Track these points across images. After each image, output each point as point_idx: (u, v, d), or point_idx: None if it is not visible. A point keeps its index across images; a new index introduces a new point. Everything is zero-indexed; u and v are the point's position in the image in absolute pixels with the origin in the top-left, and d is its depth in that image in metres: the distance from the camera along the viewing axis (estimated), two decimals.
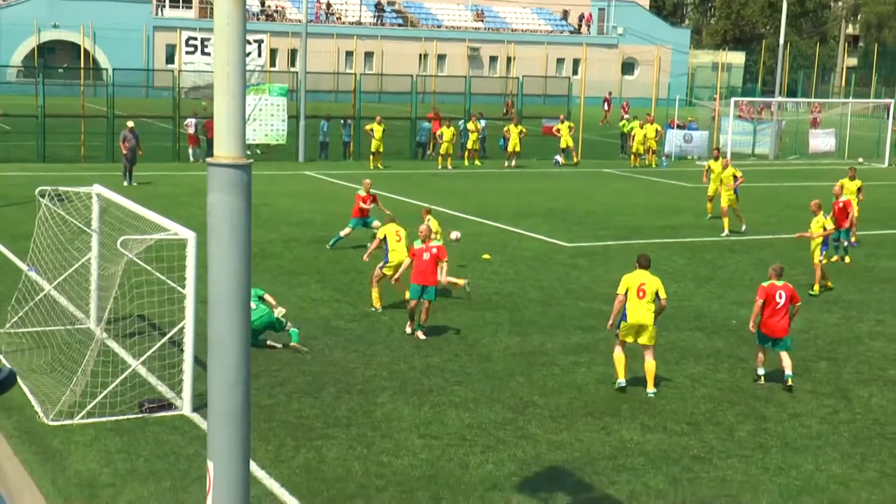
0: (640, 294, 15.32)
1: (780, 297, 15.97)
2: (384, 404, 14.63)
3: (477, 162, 44.15)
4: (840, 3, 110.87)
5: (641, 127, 46.02)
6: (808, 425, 14.39)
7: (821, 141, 53.15)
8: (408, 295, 18.48)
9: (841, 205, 24.99)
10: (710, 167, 31.72)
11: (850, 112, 57.19)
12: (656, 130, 46.26)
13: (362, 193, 24.89)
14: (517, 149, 43.43)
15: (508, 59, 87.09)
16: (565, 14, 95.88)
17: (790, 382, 15.73)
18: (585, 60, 54.66)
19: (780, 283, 16.09)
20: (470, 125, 44.15)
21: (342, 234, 24.99)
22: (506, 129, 44.18)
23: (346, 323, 18.77)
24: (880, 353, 18.03)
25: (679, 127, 51.16)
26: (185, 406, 14.00)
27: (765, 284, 16.19)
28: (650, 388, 15.38)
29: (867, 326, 19.77)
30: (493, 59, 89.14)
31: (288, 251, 24.84)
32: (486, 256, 24.79)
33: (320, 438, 13.32)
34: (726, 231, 28.58)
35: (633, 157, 45.87)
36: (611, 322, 15.72)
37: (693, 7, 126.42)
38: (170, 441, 13.07)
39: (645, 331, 15.32)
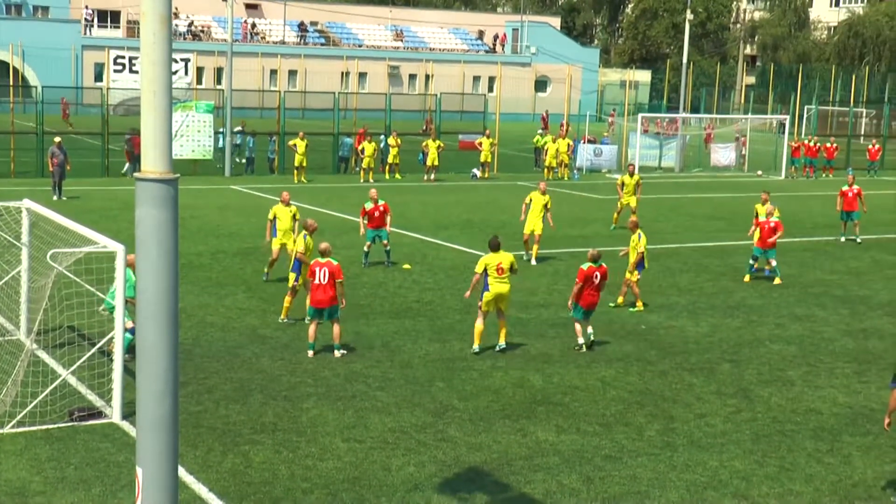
0: (499, 271, 17.62)
1: (596, 278, 18.18)
2: (309, 410, 14.55)
3: (397, 175, 44.16)
4: (738, 26, 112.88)
5: (554, 142, 46.40)
6: (712, 424, 14.60)
7: (722, 155, 54.05)
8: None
9: (772, 224, 24.83)
10: (623, 181, 32.21)
11: (748, 127, 58.29)
12: (568, 145, 46.67)
13: (369, 206, 24.37)
14: (436, 163, 43.52)
15: (427, 77, 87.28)
16: (481, 34, 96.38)
17: (583, 349, 18.00)
18: (500, 78, 54.90)
19: (596, 266, 18.23)
20: (391, 140, 44.16)
21: (365, 248, 24.60)
22: (424, 144, 44.26)
23: (273, 331, 18.63)
24: (779, 354, 18.36)
25: (590, 142, 51.74)
26: (114, 414, 13.79)
27: (584, 267, 18.19)
28: (502, 342, 17.66)
29: (767, 330, 20.12)
30: (412, 76, 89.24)
31: (216, 263, 24.60)
32: (406, 266, 24.79)
33: (247, 443, 13.21)
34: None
35: (546, 170, 46.22)
36: (468, 293, 18.22)
37: (602, 28, 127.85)
38: (100, 449, 12.86)
39: (503, 299, 17.70)
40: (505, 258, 17.79)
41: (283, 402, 14.85)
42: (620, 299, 21.51)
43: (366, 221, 24.40)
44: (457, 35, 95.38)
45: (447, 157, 46.20)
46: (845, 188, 30.81)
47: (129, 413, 13.35)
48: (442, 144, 44.20)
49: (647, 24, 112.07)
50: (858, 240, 30.36)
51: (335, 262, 17.20)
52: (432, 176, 43.49)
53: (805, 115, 68.10)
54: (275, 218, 22.51)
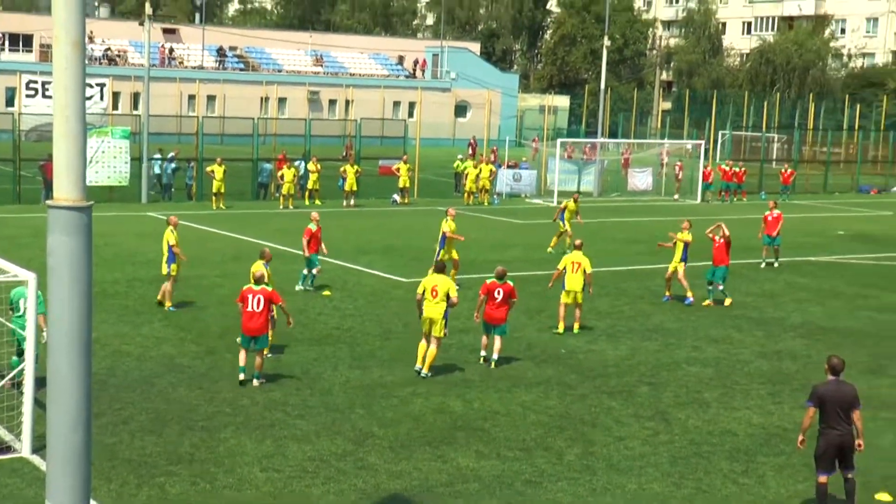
0: (433, 294, 17.65)
1: (499, 294, 18.64)
2: (227, 439, 14.38)
3: (318, 201, 44.00)
4: (655, 52, 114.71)
5: (475, 167, 46.63)
6: (631, 447, 14.73)
7: (639, 179, 54.76)
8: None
9: (721, 242, 25.04)
10: (566, 206, 32.81)
11: (665, 152, 59.18)
12: (490, 170, 46.90)
13: (314, 228, 24.64)
14: (354, 188, 43.44)
15: (347, 102, 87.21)
16: (401, 59, 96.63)
17: (493, 366, 18.45)
18: (420, 103, 55.13)
19: (500, 283, 18.68)
20: (310, 166, 43.99)
21: (315, 272, 24.77)
22: (342, 169, 44.15)
23: (191, 360, 18.41)
24: (696, 377, 18.61)
25: (511, 166, 52.11)
26: (24, 448, 13.48)
27: (487, 282, 18.86)
28: (425, 371, 17.67)
29: (685, 353, 20.39)
30: (332, 102, 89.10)
31: (132, 290, 24.26)
32: (326, 293, 24.68)
33: (163, 475, 13.01)
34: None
35: (466, 195, 46.41)
36: (419, 315, 17.93)
37: (521, 54, 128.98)
38: (8, 484, 12.56)
39: (435, 324, 17.64)
40: (442, 283, 17.87)
41: (201, 432, 14.66)
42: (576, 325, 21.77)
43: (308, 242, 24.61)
44: (377, 60, 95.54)
45: (367, 183, 46.16)
46: (767, 213, 31.45)
47: (39, 447, 13.06)
48: (360, 169, 44.15)
49: (565, 50, 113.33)
50: (776, 264, 30.95)
51: (269, 289, 17.05)
52: (352, 201, 43.41)
53: (720, 140, 69.34)
54: (173, 243, 22.52)
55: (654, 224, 40.78)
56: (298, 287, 24.69)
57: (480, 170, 46.72)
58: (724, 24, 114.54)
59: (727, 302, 25.05)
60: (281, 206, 42.15)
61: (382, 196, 46.12)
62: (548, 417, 15.95)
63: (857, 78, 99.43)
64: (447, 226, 26.13)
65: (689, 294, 24.73)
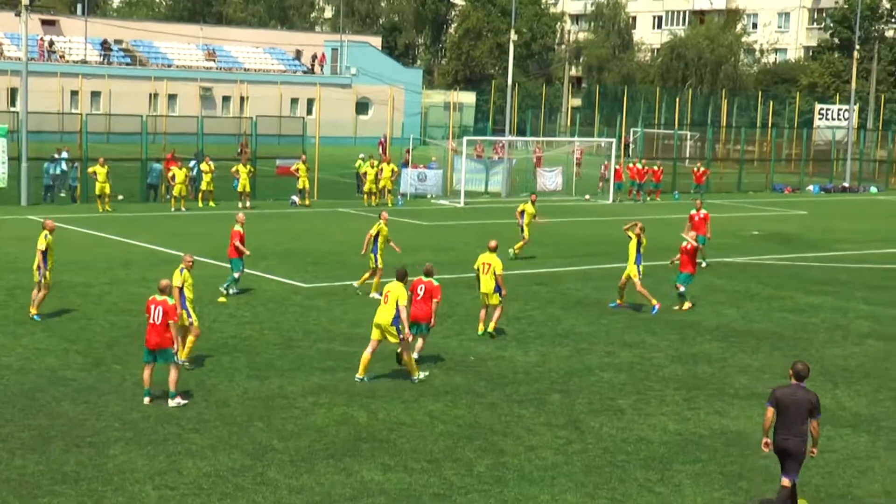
0: (385, 300, 18.01)
1: (420, 290, 19.23)
2: (116, 456, 14.15)
3: (211, 203, 43.53)
4: (563, 47, 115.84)
5: (373, 167, 46.54)
6: (543, 457, 14.84)
7: (548, 179, 55.22)
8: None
9: (689, 248, 25.62)
10: (524, 210, 32.95)
11: (579, 150, 59.77)
12: (392, 170, 46.88)
13: (240, 230, 25.02)
14: (247, 189, 43.06)
15: (242, 99, 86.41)
16: (298, 54, 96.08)
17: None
18: (320, 100, 54.89)
19: (425, 280, 19.39)
20: (203, 166, 43.51)
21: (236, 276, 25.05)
22: (234, 169, 43.72)
23: (76, 373, 18.07)
24: (609, 383, 18.83)
25: (431, 165, 52.32)
26: None
27: (413, 279, 19.40)
28: (415, 375, 18.22)
29: (597, 358, 20.62)
30: (225, 98, 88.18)
31: (12, 299, 23.73)
32: (221, 299, 24.43)
33: (46, 496, 12.74)
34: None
35: (366, 196, 46.34)
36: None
37: (425, 48, 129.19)
38: None
39: (388, 331, 17.99)
40: (394, 289, 18.10)
41: (88, 448, 14.40)
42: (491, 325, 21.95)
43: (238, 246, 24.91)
44: (273, 55, 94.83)
45: (265, 184, 45.80)
46: (693, 212, 32.00)
47: None
48: (252, 169, 43.78)
49: (470, 45, 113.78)
50: (703, 264, 31.50)
51: (171, 302, 16.63)
52: (247, 203, 43.02)
53: (631, 138, 70.33)
54: (47, 249, 22.13)
55: (564, 225, 41.18)
56: (232, 291, 25.03)
57: (382, 169, 46.69)
58: (634, 18, 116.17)
59: (686, 306, 25.46)
60: (172, 209, 41.61)
61: (281, 197, 45.80)
62: (456, 427, 15.99)
63: (770, 74, 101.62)
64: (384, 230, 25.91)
65: (654, 302, 24.81)
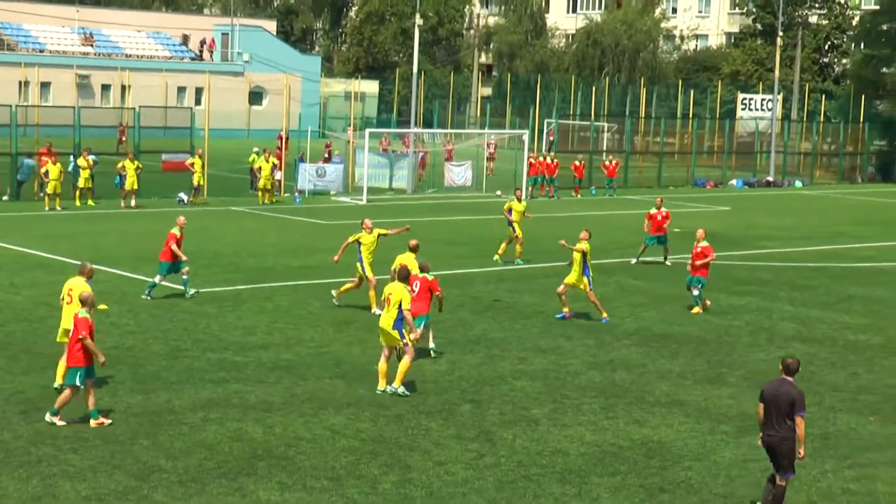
0: (388, 303, 18.36)
1: (416, 286, 20.01)
2: None
3: (90, 202, 42.90)
4: (472, 32, 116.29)
5: (267, 161, 46.25)
6: (453, 472, 14.90)
7: (456, 174, 55.40)
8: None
9: (699, 249, 26.31)
10: (510, 207, 32.57)
11: (486, 143, 60.04)
12: (274, 164, 46.31)
13: (177, 233, 25.23)
14: (135, 186, 42.55)
15: (123, 88, 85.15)
16: (185, 39, 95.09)
17: (433, 354, 20.82)
18: (209, 89, 54.28)
19: (420, 276, 20.41)
20: (81, 161, 42.86)
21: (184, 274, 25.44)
22: (120, 165, 43.14)
23: None
24: (523, 392, 18.96)
25: (325, 160, 52.17)
26: None
27: (412, 274, 20.22)
28: (395, 383, 18.34)
29: (510, 365, 20.75)
30: (105, 87, 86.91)
31: None
32: (102, 307, 24.05)
33: None
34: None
35: (261, 193, 46.06)
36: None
37: (323, 33, 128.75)
38: None
39: (385, 334, 18.38)
40: (396, 291, 18.40)
41: None
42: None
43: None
44: (157, 40, 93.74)
45: (149, 180, 45.26)
46: (653, 211, 32.45)
47: None
48: (140, 165, 43.27)
49: (373, 30, 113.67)
50: (668, 262, 31.95)
51: (82, 315, 16.19)
52: (132, 202, 42.48)
53: (545, 130, 70.86)
54: None
55: (474, 223, 41.37)
56: (191, 293, 25.62)
57: (274, 164, 46.49)
58: (547, 2, 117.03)
59: (697, 310, 26.17)
60: (46, 208, 40.92)
61: (167, 195, 45.31)
62: (359, 442, 15.98)
63: (691, 61, 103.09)
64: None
65: (604, 314, 24.93)
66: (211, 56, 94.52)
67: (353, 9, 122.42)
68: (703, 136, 76.30)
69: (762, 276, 31.82)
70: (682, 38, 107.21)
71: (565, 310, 25.05)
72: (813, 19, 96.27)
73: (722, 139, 73.20)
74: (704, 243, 26.57)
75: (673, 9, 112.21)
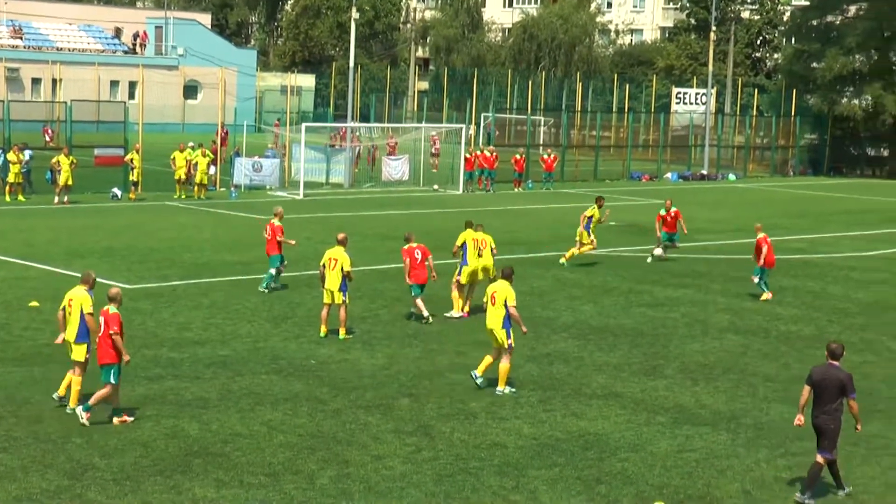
0: (493, 301, 18.48)
1: (418, 255, 23.15)
2: None
3: (21, 197, 42.37)
4: (409, 26, 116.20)
5: (204, 155, 45.93)
6: (391, 466, 14.88)
7: (394, 168, 55.33)
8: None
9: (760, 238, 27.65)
10: (592, 214, 31.62)
11: (423, 137, 60.02)
12: (186, 160, 45.86)
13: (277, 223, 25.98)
14: (69, 182, 42.08)
15: (54, 82, 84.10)
16: (118, 32, 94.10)
17: (430, 321, 23.18)
18: (143, 83, 53.81)
19: (415, 245, 23.16)
20: (11, 156, 42.31)
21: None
22: (55, 160, 42.65)
23: None
24: (461, 385, 18.98)
25: (266, 156, 51.94)
26: None
27: (405, 247, 23.34)
28: (501, 386, 18.62)
29: (448, 359, 20.76)
30: (35, 81, 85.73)
31: None
32: (33, 304, 23.79)
33: None
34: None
35: (196, 188, 45.73)
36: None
37: (259, 27, 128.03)
38: None
39: (498, 334, 18.49)
40: (500, 289, 18.53)
41: None
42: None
43: None
44: (89, 33, 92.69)
45: (82, 175, 44.74)
46: (663, 212, 32.47)
47: None
48: (75, 161, 42.80)
49: (309, 23, 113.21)
50: (649, 259, 32.59)
51: (113, 311, 16.22)
52: (65, 198, 42.00)
53: (482, 123, 71.03)
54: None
55: (411, 217, 41.34)
56: (265, 287, 26.05)
57: (210, 158, 46.22)
58: None
59: (765, 296, 27.42)
60: None
61: (101, 191, 44.85)
62: (297, 437, 15.92)
63: (626, 56, 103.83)
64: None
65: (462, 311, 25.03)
66: (144, 50, 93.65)
67: (289, 2, 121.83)
68: (639, 130, 76.81)
69: (697, 269, 32.09)
70: (617, 32, 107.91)
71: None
72: (745, 14, 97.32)
73: (657, 133, 73.74)
74: (760, 235, 27.86)
75: (608, 3, 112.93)
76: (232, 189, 47.66)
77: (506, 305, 18.30)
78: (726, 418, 17.69)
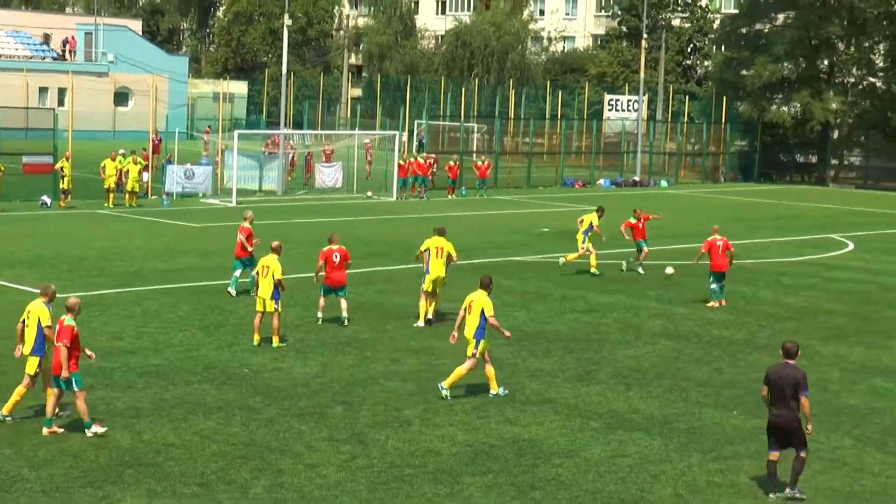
0: (469, 310, 18.72)
1: (336, 258, 23.28)
2: None
3: None
4: (342, 33, 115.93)
5: (136, 163, 45.55)
6: (325, 475, 14.83)
7: (327, 176, 55.20)
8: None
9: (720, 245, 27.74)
10: (591, 222, 31.84)
11: (356, 144, 59.94)
12: (116, 168, 45.45)
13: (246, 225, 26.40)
14: (0, 190, 41.53)
15: None
16: (47, 38, 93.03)
17: (346, 323, 23.28)
18: (72, 90, 53.23)
19: (335, 247, 23.28)
20: None
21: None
22: None
23: None
24: (395, 393, 18.97)
25: (202, 164, 51.65)
26: None
27: (325, 249, 23.36)
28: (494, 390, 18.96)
29: (382, 366, 20.74)
30: None
31: None
32: None
33: None
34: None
35: (128, 195, 45.31)
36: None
37: (191, 33, 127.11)
38: None
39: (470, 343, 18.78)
40: (476, 298, 18.76)
41: None
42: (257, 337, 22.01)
43: None
44: (17, 39, 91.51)
45: (10, 183, 44.15)
46: (633, 220, 32.23)
47: None
48: (3, 168, 42.24)
49: (241, 30, 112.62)
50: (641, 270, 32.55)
51: (67, 323, 16.07)
52: None
53: (416, 130, 71.03)
54: None
55: (344, 224, 41.23)
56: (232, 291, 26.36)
57: (141, 165, 45.89)
58: (416, 4, 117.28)
59: (711, 304, 27.72)
60: None
61: (29, 199, 44.29)
62: (230, 447, 15.82)
63: (559, 63, 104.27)
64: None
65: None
66: (74, 56, 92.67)
67: (221, 9, 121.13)
68: (572, 137, 77.20)
69: (630, 275, 32.30)
70: (549, 39, 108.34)
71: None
72: (676, 22, 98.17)
73: (589, 140, 74.21)
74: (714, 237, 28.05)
75: (540, 11, 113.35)
76: (164, 197, 47.29)
77: (483, 315, 18.49)
78: (659, 423, 17.83)
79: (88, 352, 16.65)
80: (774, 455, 14.63)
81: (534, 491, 14.59)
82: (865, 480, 15.48)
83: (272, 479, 14.61)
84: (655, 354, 22.60)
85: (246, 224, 26.57)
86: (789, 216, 52.36)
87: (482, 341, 18.66)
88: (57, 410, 16.35)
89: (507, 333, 19.28)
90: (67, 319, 16.16)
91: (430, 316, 24.53)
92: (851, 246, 41.09)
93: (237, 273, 26.36)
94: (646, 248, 32.64)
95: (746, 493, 14.82)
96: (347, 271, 23.92)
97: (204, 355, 20.93)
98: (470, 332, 18.65)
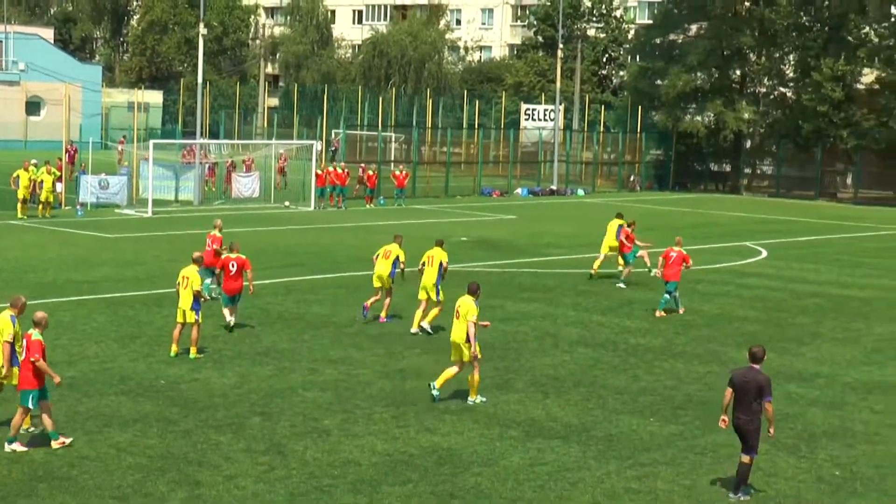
0: (456, 315, 19.07)
1: (233, 266, 23.34)
2: None
3: None
4: (259, 42, 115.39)
5: (49, 173, 44.91)
6: (243, 486, 14.73)
7: (244, 185, 54.88)
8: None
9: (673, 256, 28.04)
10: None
11: (273, 154, 59.67)
12: (30, 179, 44.81)
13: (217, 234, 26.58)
14: None
15: None
16: None
17: (232, 331, 23.74)
18: None
19: (234, 256, 23.24)
20: None
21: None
22: None
23: None
24: (314, 403, 18.89)
25: (122, 174, 51.09)
26: None
27: (223, 257, 23.57)
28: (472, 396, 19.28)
29: (301, 376, 20.64)
30: None
31: None
32: None
33: None
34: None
35: (41, 206, 44.65)
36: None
37: (104, 42, 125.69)
38: None
39: (459, 350, 19.09)
40: (465, 304, 19.07)
41: None
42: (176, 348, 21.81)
43: None
44: None
45: None
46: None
47: None
48: None
49: (156, 39, 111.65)
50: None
51: (35, 338, 15.90)
52: None
53: (333, 140, 70.93)
54: None
55: (261, 235, 41.01)
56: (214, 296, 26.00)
57: (56, 175, 45.29)
58: (333, 13, 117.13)
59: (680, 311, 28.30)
60: None
61: None
62: (147, 459, 15.64)
63: (475, 72, 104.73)
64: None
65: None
66: None
67: (135, 17, 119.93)
68: (489, 146, 77.55)
69: (547, 283, 32.50)
70: (466, 49, 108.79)
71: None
72: (591, 33, 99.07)
73: (507, 149, 74.54)
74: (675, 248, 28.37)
75: (457, 21, 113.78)
76: (78, 207, 46.67)
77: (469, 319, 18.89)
78: (577, 431, 17.94)
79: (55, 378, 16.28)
80: (742, 457, 15.01)
81: (453, 500, 14.61)
82: (779, 485, 15.72)
83: (189, 491, 14.47)
84: (573, 362, 22.74)
85: (216, 232, 26.85)
86: (704, 224, 53.03)
87: (476, 344, 19.07)
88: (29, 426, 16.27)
89: (474, 346, 19.12)
90: (35, 334, 15.97)
91: (424, 324, 24.60)
92: (765, 253, 41.72)
93: (208, 280, 25.98)
94: (630, 262, 32.91)
95: (664, 500, 14.97)
96: (266, 281, 23.90)
97: (119, 367, 20.68)
98: (461, 336, 19.05)
